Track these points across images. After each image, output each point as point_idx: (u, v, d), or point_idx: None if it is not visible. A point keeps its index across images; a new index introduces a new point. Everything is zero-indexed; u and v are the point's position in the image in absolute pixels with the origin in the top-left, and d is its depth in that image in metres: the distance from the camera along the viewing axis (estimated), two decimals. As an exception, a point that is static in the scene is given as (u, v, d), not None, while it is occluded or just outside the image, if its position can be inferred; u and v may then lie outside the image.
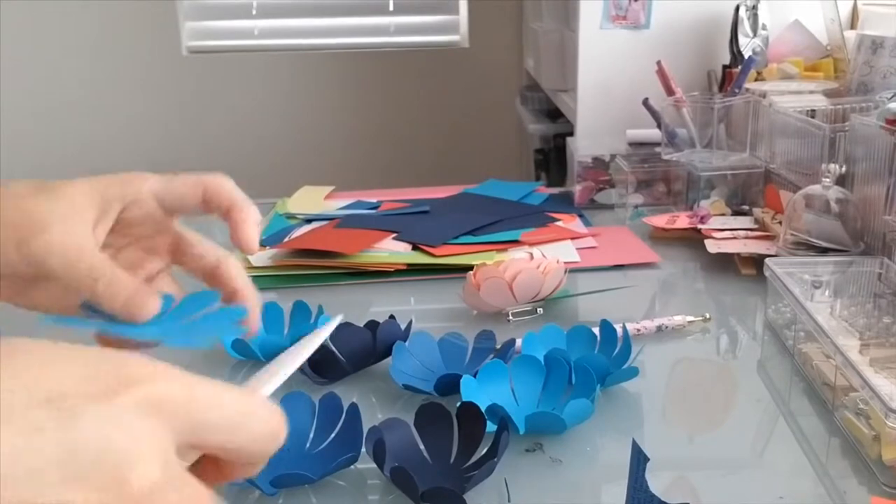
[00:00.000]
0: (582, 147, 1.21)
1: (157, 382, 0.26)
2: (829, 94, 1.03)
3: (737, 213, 1.06)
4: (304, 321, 0.76)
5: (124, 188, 0.46)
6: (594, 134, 1.30)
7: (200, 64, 2.31)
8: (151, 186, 0.46)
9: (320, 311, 0.77)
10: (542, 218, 1.12)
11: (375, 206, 1.18)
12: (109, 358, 0.27)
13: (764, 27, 1.22)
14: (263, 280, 0.94)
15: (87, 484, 0.24)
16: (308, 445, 0.58)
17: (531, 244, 1.01)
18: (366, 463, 0.55)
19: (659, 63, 1.17)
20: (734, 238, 0.95)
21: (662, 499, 0.42)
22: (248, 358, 0.73)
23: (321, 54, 2.30)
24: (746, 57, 1.17)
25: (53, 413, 0.24)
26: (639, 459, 0.43)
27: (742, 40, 1.21)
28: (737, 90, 1.12)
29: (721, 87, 1.22)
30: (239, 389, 0.29)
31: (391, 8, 2.31)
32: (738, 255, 0.92)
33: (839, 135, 0.88)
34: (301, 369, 0.68)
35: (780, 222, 0.92)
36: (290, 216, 1.14)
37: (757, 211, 1.02)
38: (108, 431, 0.24)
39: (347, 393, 0.66)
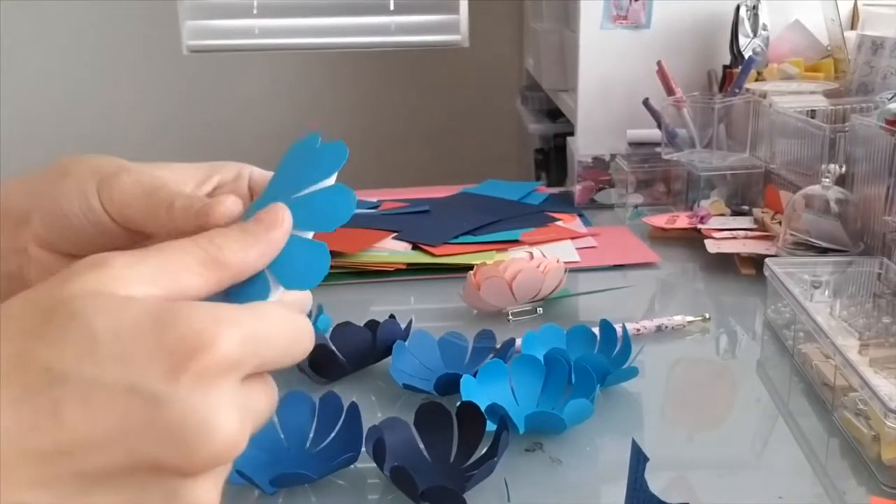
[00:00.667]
0: (582, 147, 1.21)
1: (213, 348, 0.27)
2: (829, 94, 1.03)
3: (736, 213, 1.06)
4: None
5: (231, 171, 0.44)
6: (594, 134, 1.30)
7: (201, 63, 2.31)
8: (254, 176, 0.44)
9: (320, 310, 0.77)
10: (542, 218, 1.12)
11: (375, 206, 1.18)
12: (166, 324, 0.27)
13: (764, 27, 1.22)
14: (263, 279, 0.94)
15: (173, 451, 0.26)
16: (308, 445, 0.58)
17: (531, 244, 1.01)
18: (366, 462, 0.55)
19: (659, 63, 1.17)
20: (734, 238, 0.96)
21: (662, 498, 0.42)
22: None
23: (322, 54, 2.30)
24: (747, 57, 1.17)
25: (138, 402, 0.26)
26: (638, 459, 0.43)
27: (742, 40, 1.21)
28: (737, 90, 1.12)
29: (721, 88, 1.22)
30: (282, 311, 0.30)
31: (392, 7, 2.31)
32: (738, 255, 0.92)
33: (839, 135, 0.88)
34: (301, 368, 0.69)
35: (780, 222, 0.92)
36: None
37: (757, 211, 1.02)
38: (184, 413, 0.26)
39: (347, 392, 0.66)
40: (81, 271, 0.28)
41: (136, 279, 0.28)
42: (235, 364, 0.27)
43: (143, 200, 0.37)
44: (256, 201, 0.37)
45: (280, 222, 0.34)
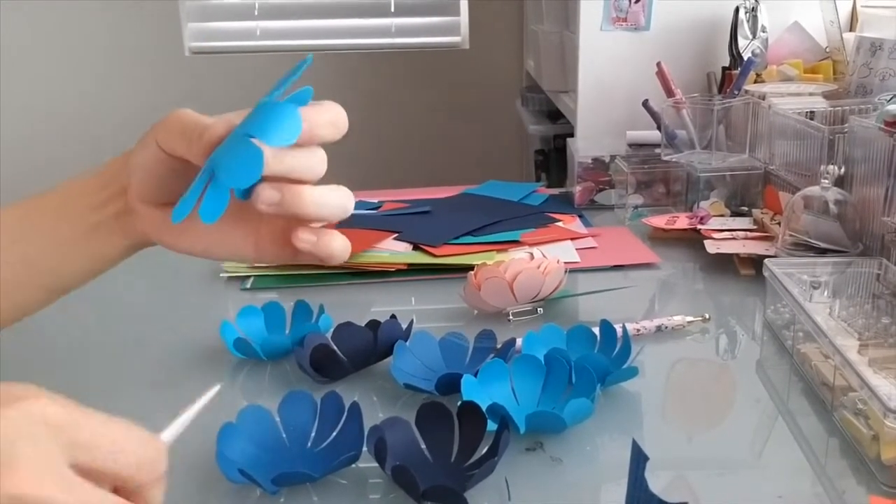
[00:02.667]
0: (582, 148, 1.21)
1: (41, 400, 0.32)
2: (828, 95, 1.03)
3: (736, 213, 1.06)
4: (305, 321, 0.77)
5: None
6: (594, 135, 1.30)
7: (203, 65, 2.31)
8: None
9: (321, 310, 0.77)
10: (543, 218, 1.12)
11: (377, 207, 1.19)
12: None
13: (763, 29, 1.22)
14: (265, 279, 0.95)
15: None
16: (310, 444, 0.58)
17: (531, 244, 1.02)
18: (367, 462, 0.55)
19: (659, 64, 1.17)
20: (733, 239, 0.96)
21: (662, 498, 0.42)
22: (250, 357, 0.74)
23: (323, 55, 2.30)
24: (746, 59, 1.17)
25: None
26: (639, 459, 0.43)
27: (741, 42, 1.22)
28: (736, 92, 1.12)
29: (720, 89, 1.23)
30: (115, 419, 0.34)
31: (392, 9, 2.31)
32: (738, 255, 0.93)
33: (838, 136, 0.88)
34: (303, 368, 0.69)
35: (779, 223, 0.93)
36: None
37: (756, 212, 1.02)
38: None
39: (349, 392, 0.67)
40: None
41: None
42: None
43: (180, 131, 0.48)
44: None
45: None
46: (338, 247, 0.50)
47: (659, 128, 1.17)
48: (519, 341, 0.71)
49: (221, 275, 0.96)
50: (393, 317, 0.72)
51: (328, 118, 0.47)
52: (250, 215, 0.51)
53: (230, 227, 0.51)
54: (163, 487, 0.36)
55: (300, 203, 0.46)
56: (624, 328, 0.70)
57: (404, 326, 0.72)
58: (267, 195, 0.45)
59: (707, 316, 0.79)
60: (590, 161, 1.19)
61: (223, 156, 0.44)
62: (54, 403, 0.32)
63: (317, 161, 0.46)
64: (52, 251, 0.53)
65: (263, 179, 0.44)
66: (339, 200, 0.48)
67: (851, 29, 1.20)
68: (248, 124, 0.45)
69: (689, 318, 0.78)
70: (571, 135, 1.37)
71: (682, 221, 1.03)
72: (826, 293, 0.75)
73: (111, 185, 0.52)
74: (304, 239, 0.48)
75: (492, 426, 0.56)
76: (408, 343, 0.70)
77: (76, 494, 0.31)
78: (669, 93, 1.16)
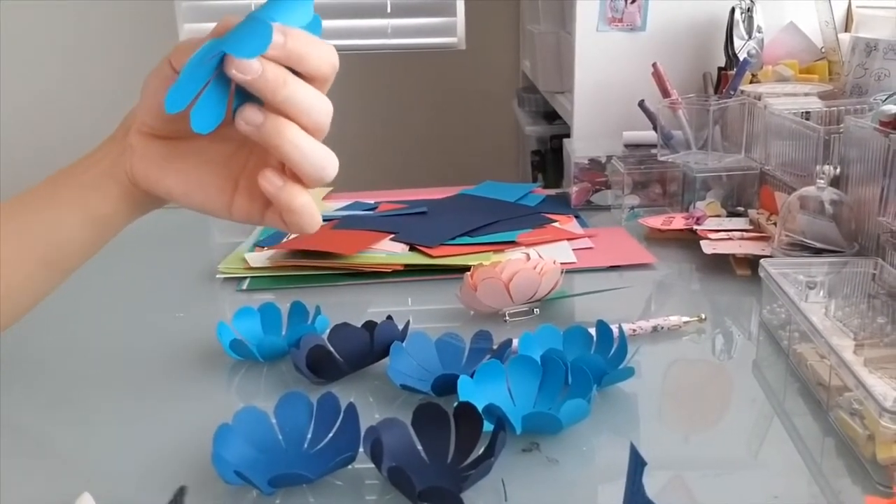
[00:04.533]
0: (578, 148, 1.21)
1: None
2: (823, 96, 1.03)
3: (732, 214, 1.06)
4: (301, 322, 0.77)
5: None
6: (590, 135, 1.31)
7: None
8: None
9: (318, 311, 0.77)
10: (539, 219, 1.12)
11: (373, 207, 1.19)
12: None
13: (759, 29, 1.22)
14: (261, 281, 0.95)
15: None
16: (306, 445, 0.58)
17: (528, 245, 1.02)
18: (363, 463, 0.55)
19: (655, 65, 1.17)
20: (729, 239, 0.96)
21: (659, 501, 0.42)
22: (246, 358, 0.74)
23: (318, 56, 2.30)
24: (741, 59, 1.17)
25: None
26: (637, 463, 0.43)
27: (737, 42, 1.22)
28: (732, 92, 1.12)
29: (716, 90, 1.23)
30: None
31: (389, 10, 2.31)
32: (734, 255, 0.93)
33: (833, 137, 0.88)
34: (299, 369, 0.69)
35: (775, 223, 0.93)
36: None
37: (752, 212, 1.02)
38: None
39: (345, 393, 0.67)
40: None
41: None
42: None
43: (193, 48, 0.45)
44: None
45: None
46: (300, 203, 0.48)
47: (655, 128, 1.17)
48: (515, 342, 0.71)
49: (218, 276, 0.96)
50: (389, 318, 0.72)
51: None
52: (234, 165, 0.53)
53: (212, 173, 0.52)
54: None
55: (279, 135, 0.45)
56: (620, 329, 0.69)
57: (401, 327, 0.72)
58: (249, 114, 0.45)
59: (703, 316, 0.79)
60: (586, 161, 1.19)
61: (231, 34, 0.44)
62: None
63: (320, 100, 0.46)
64: (47, 218, 0.54)
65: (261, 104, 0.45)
66: (319, 155, 0.47)
67: (847, 29, 1.21)
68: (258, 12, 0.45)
69: (686, 319, 0.78)
70: (568, 135, 1.37)
71: (679, 222, 1.03)
72: (822, 293, 0.75)
73: (105, 146, 0.54)
74: (270, 179, 0.48)
75: (488, 427, 0.56)
76: (404, 344, 0.70)
77: None
78: (665, 93, 1.17)
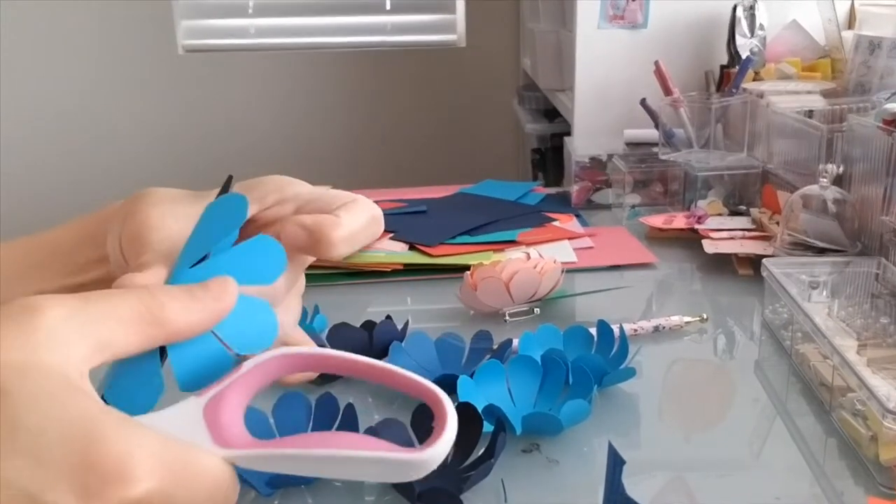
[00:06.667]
0: (579, 147, 1.21)
1: (132, 484, 0.26)
2: (826, 94, 1.03)
3: (734, 213, 1.06)
4: (300, 321, 0.76)
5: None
6: (591, 134, 1.30)
7: (197, 63, 2.31)
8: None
9: (316, 310, 0.77)
10: (539, 218, 1.11)
11: (372, 206, 1.18)
12: (92, 442, 0.26)
13: (761, 27, 1.22)
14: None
15: None
16: (304, 446, 0.57)
17: (528, 244, 1.01)
18: (362, 463, 0.55)
19: (657, 63, 1.17)
20: (731, 238, 0.95)
21: (657, 501, 0.42)
22: (245, 358, 0.73)
23: (317, 53, 2.29)
24: (744, 57, 1.17)
25: None
26: (615, 462, 0.43)
27: (739, 40, 1.21)
28: (734, 90, 1.12)
29: (718, 88, 1.22)
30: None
31: (388, 7, 2.31)
32: (736, 255, 0.92)
33: (836, 135, 0.88)
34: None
35: (778, 222, 0.92)
36: (287, 216, 1.14)
37: (754, 211, 1.02)
38: None
39: (344, 393, 0.66)
40: (12, 327, 0.27)
41: (67, 338, 0.28)
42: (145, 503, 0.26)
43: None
44: (184, 250, 0.36)
45: (228, 293, 0.33)
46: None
47: (656, 126, 1.16)
48: (515, 342, 0.70)
49: (216, 274, 0.96)
50: (388, 317, 0.72)
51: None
52: None
53: None
54: None
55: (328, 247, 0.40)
56: (621, 328, 0.69)
57: (400, 327, 0.72)
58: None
59: (705, 316, 0.79)
60: (587, 160, 1.19)
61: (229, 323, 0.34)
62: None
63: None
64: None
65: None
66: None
67: (850, 27, 1.20)
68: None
69: (687, 319, 0.78)
70: (568, 133, 1.37)
71: (680, 221, 1.03)
72: (825, 293, 0.75)
73: (88, 249, 0.44)
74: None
75: (488, 428, 0.56)
76: (403, 344, 0.70)
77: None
78: (667, 91, 1.16)
